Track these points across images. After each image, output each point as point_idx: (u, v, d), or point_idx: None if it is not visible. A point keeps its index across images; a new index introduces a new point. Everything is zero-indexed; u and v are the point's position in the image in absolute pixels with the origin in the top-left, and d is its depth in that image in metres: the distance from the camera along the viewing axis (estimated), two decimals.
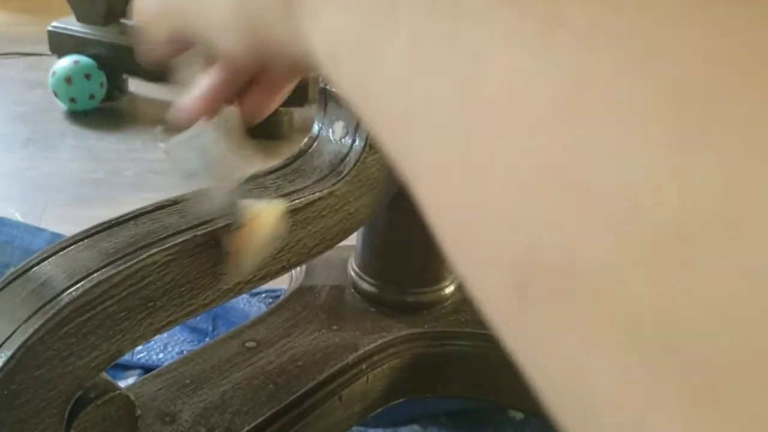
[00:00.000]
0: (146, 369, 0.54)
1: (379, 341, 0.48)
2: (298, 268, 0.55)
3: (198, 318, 0.59)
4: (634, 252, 0.09)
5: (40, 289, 0.32)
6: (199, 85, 0.28)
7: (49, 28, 1.10)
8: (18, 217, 0.74)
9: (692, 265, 0.08)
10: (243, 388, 0.43)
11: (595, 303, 0.09)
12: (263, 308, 0.60)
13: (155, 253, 0.33)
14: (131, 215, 0.36)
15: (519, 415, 0.53)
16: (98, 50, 1.06)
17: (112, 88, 1.09)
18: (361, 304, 0.52)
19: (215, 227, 0.35)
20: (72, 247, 0.34)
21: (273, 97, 0.30)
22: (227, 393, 0.42)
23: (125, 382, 0.50)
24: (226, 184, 0.33)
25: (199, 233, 0.34)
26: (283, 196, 0.39)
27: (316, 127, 0.44)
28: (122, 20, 1.13)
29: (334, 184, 0.40)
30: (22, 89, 1.12)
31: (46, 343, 0.30)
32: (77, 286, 0.31)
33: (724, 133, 0.08)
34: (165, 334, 0.58)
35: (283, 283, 0.55)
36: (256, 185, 0.40)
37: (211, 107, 0.28)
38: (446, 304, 0.52)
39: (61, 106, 1.06)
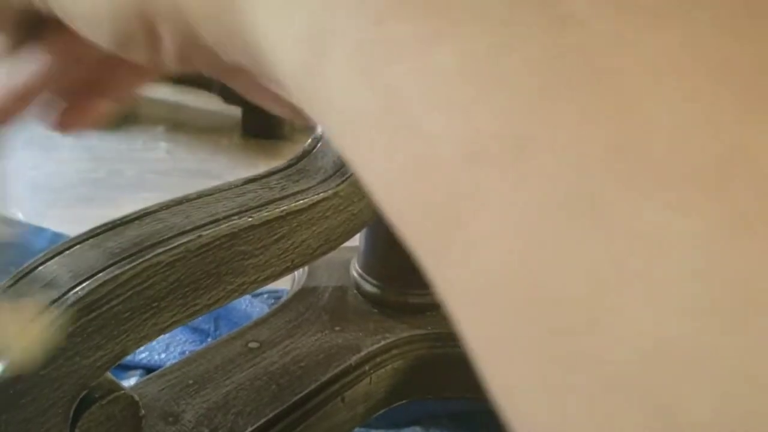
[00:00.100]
0: (148, 369, 0.54)
1: (382, 342, 0.48)
2: (301, 269, 0.55)
3: (200, 318, 0.58)
4: None
5: (46, 288, 0.32)
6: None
7: None
8: (20, 216, 0.74)
9: None
10: (246, 388, 0.43)
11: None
12: (265, 309, 0.60)
13: (160, 253, 0.33)
14: (136, 215, 0.36)
15: None
16: None
17: None
18: (364, 306, 0.52)
19: (220, 228, 0.35)
20: (77, 246, 0.34)
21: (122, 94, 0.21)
22: (230, 393, 0.42)
23: (127, 382, 0.50)
24: None
25: (204, 233, 0.34)
26: (288, 196, 0.39)
27: (320, 128, 0.44)
28: None
29: (338, 185, 0.40)
30: None
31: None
32: (83, 285, 0.31)
33: None
34: (167, 335, 0.58)
35: (285, 284, 0.55)
36: (261, 185, 0.40)
37: (17, 106, 0.19)
38: None
39: None
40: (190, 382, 0.43)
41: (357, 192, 0.42)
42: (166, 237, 0.34)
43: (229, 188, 0.39)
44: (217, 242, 0.35)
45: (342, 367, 0.45)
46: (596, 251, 0.08)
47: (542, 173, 0.09)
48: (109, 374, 0.34)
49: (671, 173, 0.08)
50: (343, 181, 0.41)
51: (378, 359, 0.47)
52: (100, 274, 0.32)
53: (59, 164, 0.90)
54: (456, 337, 0.41)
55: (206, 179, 0.90)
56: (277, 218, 0.37)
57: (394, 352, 0.48)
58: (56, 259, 0.34)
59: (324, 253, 0.41)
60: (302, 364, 0.45)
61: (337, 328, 0.49)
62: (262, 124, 1.04)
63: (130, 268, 0.32)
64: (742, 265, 0.07)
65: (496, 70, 0.09)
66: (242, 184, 0.40)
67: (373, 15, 0.10)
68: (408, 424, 0.52)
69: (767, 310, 0.07)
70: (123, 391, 0.35)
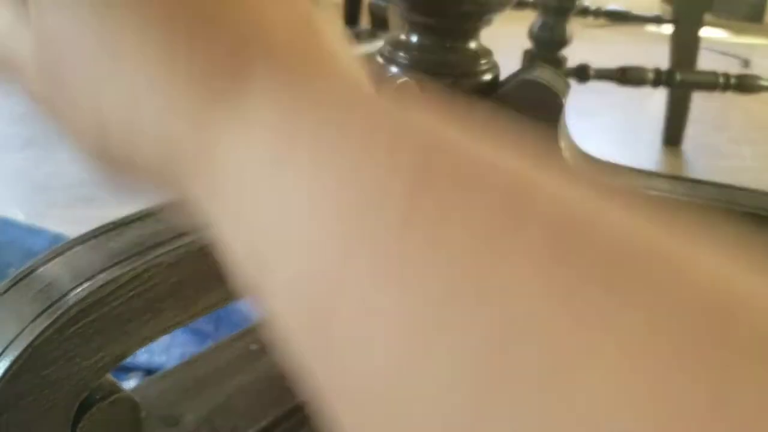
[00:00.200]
0: (148, 371, 0.54)
1: None
2: None
3: (201, 320, 0.58)
4: None
5: (47, 289, 0.32)
6: None
7: None
8: (20, 217, 0.74)
9: None
10: (247, 391, 0.43)
11: None
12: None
13: (162, 254, 0.33)
14: (137, 215, 0.36)
15: None
16: None
17: None
18: None
19: None
20: (78, 247, 0.34)
21: None
22: (231, 396, 0.42)
23: (127, 384, 0.50)
24: None
25: (206, 234, 0.34)
26: None
27: None
28: None
29: None
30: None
31: (52, 344, 0.30)
32: (84, 286, 0.31)
33: None
34: (167, 336, 0.58)
35: None
36: None
37: None
38: None
39: None
40: (191, 384, 0.43)
41: None
42: (167, 238, 0.34)
43: None
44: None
45: None
46: None
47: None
48: (109, 376, 0.34)
49: None
50: None
51: None
52: (101, 275, 0.32)
53: (59, 164, 0.90)
54: None
55: None
56: None
57: None
58: (57, 259, 0.33)
59: None
60: None
61: None
62: None
63: (131, 269, 0.32)
64: None
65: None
66: None
67: None
68: None
69: None
70: (124, 393, 0.35)
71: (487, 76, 0.46)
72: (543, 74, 0.45)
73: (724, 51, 1.73)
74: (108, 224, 0.35)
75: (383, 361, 0.10)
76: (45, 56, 0.15)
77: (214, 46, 0.13)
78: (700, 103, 1.23)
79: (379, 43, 0.48)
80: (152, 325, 0.34)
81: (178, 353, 0.56)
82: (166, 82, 0.14)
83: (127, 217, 0.35)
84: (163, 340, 0.57)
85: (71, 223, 0.73)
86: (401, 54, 0.45)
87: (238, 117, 0.13)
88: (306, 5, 0.15)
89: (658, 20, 1.00)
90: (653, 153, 1.13)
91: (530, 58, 0.66)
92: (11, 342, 0.30)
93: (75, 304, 0.30)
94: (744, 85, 0.77)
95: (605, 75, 0.73)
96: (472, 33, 0.45)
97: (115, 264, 0.32)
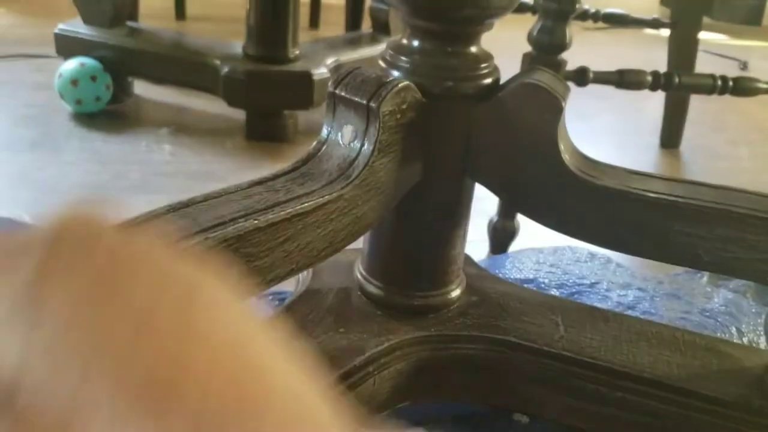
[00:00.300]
0: None
1: (386, 344, 0.48)
2: (305, 271, 0.55)
3: None
4: None
5: None
6: None
7: (56, 31, 1.10)
8: (26, 218, 0.75)
9: None
10: None
11: None
12: (270, 311, 0.61)
13: None
14: (143, 218, 0.36)
15: (524, 419, 0.53)
16: (104, 53, 1.07)
17: (117, 90, 1.09)
18: (368, 307, 0.52)
19: (226, 230, 0.35)
20: None
21: None
22: None
23: None
24: None
25: (210, 236, 0.35)
26: (293, 199, 0.39)
27: (324, 131, 0.44)
28: (128, 23, 1.13)
29: (342, 188, 0.41)
30: (29, 91, 1.13)
31: None
32: None
33: None
34: None
35: (289, 285, 0.55)
36: (266, 188, 0.40)
37: None
38: (452, 307, 0.52)
39: (67, 108, 1.06)
40: None
41: (361, 195, 0.42)
42: (173, 240, 0.34)
43: (235, 191, 0.39)
44: (224, 245, 0.35)
45: (346, 368, 0.45)
46: None
47: None
48: None
49: None
50: (347, 184, 0.41)
51: (382, 360, 0.47)
52: None
53: (65, 166, 0.91)
54: (460, 338, 0.41)
55: (210, 181, 0.90)
56: (282, 221, 0.37)
57: (398, 353, 0.48)
58: None
59: (329, 255, 0.42)
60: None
61: (341, 330, 0.49)
62: (266, 127, 1.05)
63: None
64: None
65: None
66: (248, 187, 0.40)
67: None
68: (411, 426, 0.52)
69: None
70: None
71: (488, 80, 0.46)
72: (542, 77, 0.46)
73: (722, 53, 1.73)
74: None
75: None
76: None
77: None
78: (698, 105, 1.23)
79: (380, 47, 0.49)
80: None
81: None
82: None
83: (131, 220, 0.36)
84: None
85: None
86: (403, 58, 0.46)
87: None
88: None
89: (656, 23, 1.01)
90: (652, 155, 1.14)
91: (530, 62, 0.66)
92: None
93: None
94: (741, 87, 0.77)
95: (604, 78, 0.73)
96: (473, 37, 0.46)
97: None
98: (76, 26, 1.10)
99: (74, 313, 0.12)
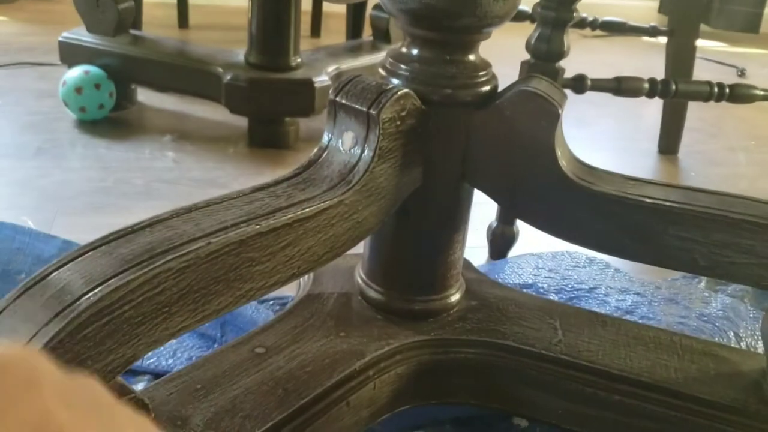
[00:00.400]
0: (156, 374, 0.55)
1: (386, 348, 0.48)
2: (306, 276, 0.55)
3: (207, 324, 0.59)
4: None
5: (60, 293, 0.33)
6: None
7: (60, 39, 1.11)
8: (30, 224, 0.75)
9: None
10: (253, 393, 0.44)
11: None
12: (271, 315, 0.61)
13: (171, 260, 0.34)
14: (147, 223, 0.37)
15: (523, 423, 0.53)
16: (108, 60, 1.08)
17: (121, 97, 1.10)
18: (368, 312, 0.52)
19: (229, 235, 0.36)
20: (90, 253, 0.35)
21: None
22: (237, 398, 0.43)
23: (135, 387, 0.51)
24: None
25: (213, 241, 0.35)
26: (294, 204, 0.40)
27: (325, 138, 0.45)
28: (132, 31, 1.14)
29: (343, 194, 0.41)
30: (33, 99, 1.14)
31: (65, 347, 0.31)
32: (95, 291, 0.32)
33: None
34: (175, 341, 0.58)
35: (290, 290, 0.56)
36: (268, 194, 0.41)
37: None
38: (452, 311, 0.53)
39: (71, 116, 1.07)
40: (198, 386, 0.44)
41: (362, 200, 0.43)
42: (176, 244, 0.35)
43: (238, 196, 0.40)
44: (226, 249, 0.36)
45: (347, 372, 0.46)
46: None
47: None
48: (120, 378, 0.35)
49: None
50: (348, 190, 0.42)
51: (382, 364, 0.48)
52: (112, 280, 0.33)
53: (69, 173, 0.92)
54: (459, 343, 0.42)
55: (213, 188, 0.91)
56: (284, 226, 0.38)
57: (398, 357, 0.49)
58: (68, 266, 0.34)
59: (329, 260, 0.42)
60: (308, 369, 0.46)
61: (341, 334, 0.49)
62: (268, 134, 1.05)
63: (142, 275, 0.33)
64: None
65: None
66: (250, 193, 0.40)
67: None
68: (412, 429, 0.52)
69: None
70: (134, 394, 0.36)
71: (486, 87, 0.47)
72: (540, 85, 0.46)
73: (721, 61, 1.74)
74: (118, 231, 0.36)
75: None
76: None
77: None
78: (696, 112, 1.24)
79: (381, 55, 0.50)
80: (162, 328, 0.35)
81: (185, 357, 0.57)
82: None
83: (136, 225, 0.37)
84: (171, 345, 0.58)
85: (80, 231, 0.74)
86: (402, 66, 0.47)
87: None
88: None
89: (654, 31, 1.02)
90: (650, 161, 1.14)
91: (528, 69, 0.67)
92: (25, 345, 0.31)
93: (86, 308, 0.31)
94: (738, 94, 0.78)
95: (601, 86, 0.74)
96: (471, 46, 0.47)
97: (126, 270, 0.33)
98: (80, 34, 1.11)
99: None
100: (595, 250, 0.50)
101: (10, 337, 0.32)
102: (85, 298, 0.32)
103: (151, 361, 0.57)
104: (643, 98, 0.78)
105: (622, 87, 0.75)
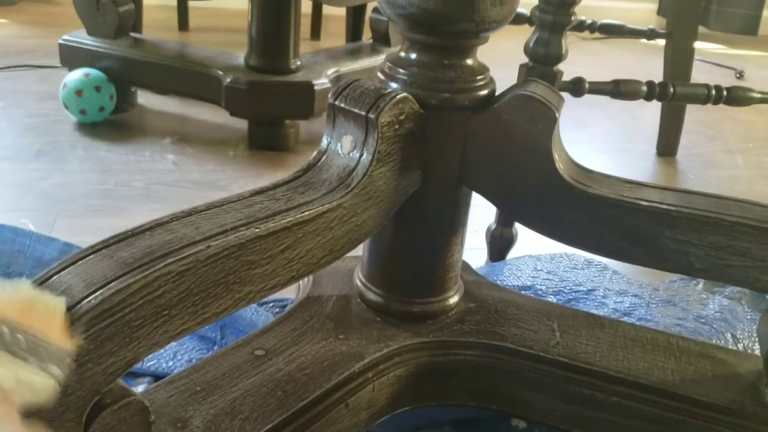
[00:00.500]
0: (156, 377, 0.55)
1: (385, 350, 0.49)
2: (306, 278, 0.56)
3: (207, 327, 0.59)
4: None
5: (60, 297, 0.33)
6: None
7: (60, 41, 1.12)
8: (31, 226, 0.76)
9: None
10: (252, 395, 0.44)
11: None
12: (270, 317, 0.61)
13: (171, 263, 0.34)
14: (147, 226, 0.37)
15: (521, 424, 0.54)
16: (108, 63, 1.08)
17: (121, 100, 1.10)
18: (368, 314, 0.53)
19: (228, 238, 0.36)
20: (91, 256, 0.35)
21: None
22: (237, 400, 0.43)
23: (136, 390, 0.51)
24: None
25: (212, 244, 0.36)
26: (294, 207, 0.40)
27: (324, 141, 0.45)
28: (132, 34, 1.15)
29: (342, 197, 0.42)
30: (34, 101, 1.14)
31: None
32: (96, 294, 0.32)
33: None
34: (175, 343, 0.59)
35: (290, 292, 0.56)
36: (267, 197, 0.41)
37: None
38: (451, 314, 0.53)
39: (72, 118, 1.08)
40: (198, 388, 0.44)
41: (360, 203, 0.43)
42: (176, 247, 0.35)
43: (237, 200, 0.40)
44: (226, 252, 0.36)
45: (346, 374, 0.46)
46: None
47: None
48: (120, 380, 0.35)
49: None
50: (347, 193, 0.42)
51: (381, 366, 0.48)
52: (113, 284, 0.33)
53: (69, 176, 0.92)
54: (457, 345, 0.43)
55: (213, 190, 0.91)
56: (283, 229, 0.38)
57: (397, 359, 0.49)
58: (70, 269, 0.35)
59: (329, 262, 0.42)
60: (307, 371, 0.46)
61: (341, 336, 0.50)
62: (268, 136, 1.06)
63: (142, 278, 0.33)
64: None
65: None
66: (249, 196, 0.41)
67: None
68: (410, 431, 0.52)
69: None
70: (134, 397, 0.36)
71: (484, 91, 0.47)
72: (537, 89, 0.47)
73: (719, 63, 1.75)
74: (119, 234, 0.36)
75: None
76: None
77: None
78: (694, 114, 1.24)
79: (380, 58, 0.50)
80: (162, 331, 0.35)
81: (185, 359, 0.57)
82: None
83: (136, 228, 0.37)
84: (171, 347, 0.58)
85: (81, 233, 0.75)
86: (401, 70, 0.47)
87: None
88: None
89: (652, 34, 1.02)
90: (648, 163, 1.15)
91: (526, 73, 0.67)
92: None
93: (87, 311, 0.32)
94: (735, 97, 0.78)
95: (600, 88, 0.74)
96: (469, 50, 0.47)
97: (126, 273, 0.34)
98: (80, 37, 1.11)
99: None
100: (592, 253, 0.50)
101: None
102: (85, 301, 0.32)
103: (152, 363, 0.57)
104: (641, 101, 0.79)
105: (620, 90, 0.76)
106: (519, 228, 0.78)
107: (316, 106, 1.02)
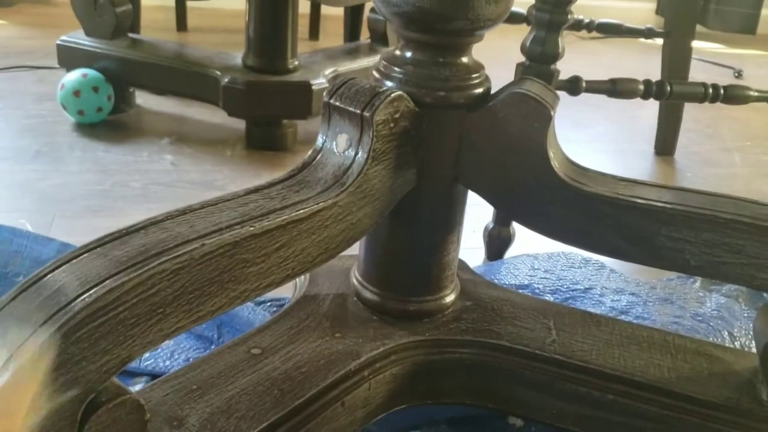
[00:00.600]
0: (153, 376, 0.56)
1: (381, 348, 0.49)
2: (302, 277, 0.56)
3: (203, 326, 0.60)
4: None
5: (54, 295, 0.33)
6: None
7: (58, 42, 1.12)
8: (28, 227, 0.76)
9: None
10: (248, 393, 0.44)
11: None
12: (267, 316, 0.62)
13: (165, 262, 0.34)
14: (142, 225, 0.37)
15: (518, 422, 0.54)
16: (106, 63, 1.08)
17: (119, 101, 1.11)
18: (364, 312, 0.53)
19: (223, 236, 0.36)
20: (85, 255, 0.35)
21: None
22: (233, 398, 0.43)
23: (133, 389, 0.51)
24: None
25: (207, 242, 0.36)
26: (288, 206, 0.40)
27: (320, 140, 0.45)
28: (130, 34, 1.15)
29: (337, 195, 0.42)
30: (32, 102, 1.14)
31: (59, 348, 0.31)
32: (90, 292, 0.32)
33: None
34: (172, 342, 0.59)
35: (286, 291, 0.56)
36: (262, 196, 0.41)
37: None
38: (447, 312, 0.53)
39: (70, 119, 1.08)
40: (194, 387, 0.44)
41: (356, 202, 0.43)
42: (170, 246, 0.35)
43: (232, 198, 0.40)
44: (220, 251, 0.36)
45: (342, 372, 0.46)
46: None
47: None
48: (115, 379, 0.35)
49: None
50: (342, 192, 0.42)
51: (377, 365, 0.48)
52: (107, 282, 0.33)
53: (67, 176, 0.92)
54: (454, 343, 0.43)
55: (211, 190, 0.92)
56: (277, 227, 0.38)
57: (393, 358, 0.49)
58: (64, 267, 0.35)
59: (324, 261, 0.43)
60: (303, 369, 0.46)
61: (337, 335, 0.50)
62: (266, 136, 1.06)
63: (136, 276, 0.33)
64: None
65: None
66: (244, 195, 0.41)
67: None
68: (407, 429, 0.52)
69: None
70: (129, 395, 0.36)
71: (479, 90, 0.47)
72: (532, 87, 0.47)
73: (718, 62, 1.75)
74: (113, 233, 0.36)
75: None
76: None
77: None
78: (692, 113, 1.25)
79: (378, 58, 0.50)
80: (156, 329, 0.35)
81: (182, 358, 0.57)
82: None
83: (131, 227, 0.37)
84: (168, 346, 0.58)
85: (78, 233, 0.75)
86: (396, 69, 0.47)
87: None
88: None
89: (650, 33, 1.02)
90: (646, 162, 1.15)
91: (523, 71, 0.68)
92: (20, 346, 0.31)
93: (81, 309, 0.32)
94: (732, 95, 0.79)
95: (596, 87, 0.74)
96: (464, 48, 0.47)
97: (120, 271, 0.34)
98: (78, 38, 1.11)
99: None
100: (588, 251, 0.50)
101: (5, 339, 0.32)
102: (80, 299, 0.32)
103: (149, 362, 0.57)
104: (639, 100, 0.79)
105: (617, 88, 0.76)
106: (516, 227, 0.78)
107: (314, 106, 1.02)
